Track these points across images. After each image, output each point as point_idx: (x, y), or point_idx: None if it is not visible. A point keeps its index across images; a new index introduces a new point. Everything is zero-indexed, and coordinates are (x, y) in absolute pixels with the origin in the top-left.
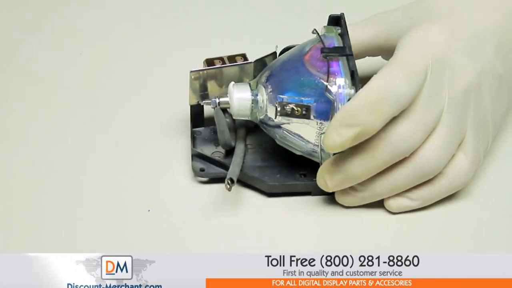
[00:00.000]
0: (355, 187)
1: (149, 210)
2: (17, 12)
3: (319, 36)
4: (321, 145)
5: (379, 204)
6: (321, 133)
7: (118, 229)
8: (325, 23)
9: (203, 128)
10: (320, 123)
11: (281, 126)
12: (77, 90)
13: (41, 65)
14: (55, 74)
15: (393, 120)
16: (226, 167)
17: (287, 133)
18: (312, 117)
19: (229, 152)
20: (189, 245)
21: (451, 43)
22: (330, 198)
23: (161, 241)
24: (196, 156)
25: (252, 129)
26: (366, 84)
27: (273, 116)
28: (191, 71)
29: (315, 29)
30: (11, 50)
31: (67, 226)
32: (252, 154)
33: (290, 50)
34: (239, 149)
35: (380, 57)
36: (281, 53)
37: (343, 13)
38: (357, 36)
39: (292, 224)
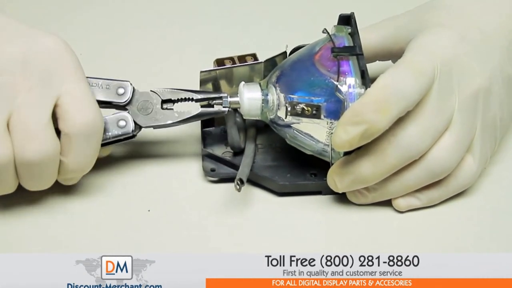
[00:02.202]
0: (367, 187)
1: (149, 210)
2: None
3: (329, 35)
4: (331, 144)
5: (391, 205)
6: (332, 133)
7: (127, 229)
8: (335, 23)
9: (213, 128)
10: (331, 122)
11: (291, 125)
12: None
13: None
14: None
15: (402, 123)
16: (236, 167)
17: (297, 133)
18: (322, 116)
19: (239, 151)
20: (196, 245)
21: (460, 46)
22: (341, 197)
23: (168, 240)
24: (207, 156)
25: (263, 128)
26: (373, 83)
27: (283, 116)
28: (201, 71)
29: (325, 29)
30: None
31: (69, 225)
32: (262, 154)
33: (300, 50)
34: (249, 149)
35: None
36: (291, 52)
37: (353, 13)
38: (366, 40)
39: (303, 223)
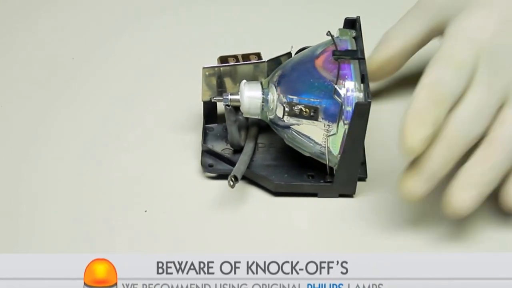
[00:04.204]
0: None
1: (146, 211)
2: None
3: (333, 38)
4: (328, 147)
5: (387, 208)
6: (329, 135)
7: (123, 227)
8: (342, 25)
9: (215, 124)
10: (328, 125)
11: (291, 126)
12: (87, 83)
13: (48, 61)
14: (65, 72)
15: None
16: (234, 164)
17: (296, 134)
18: (320, 119)
19: (239, 149)
20: (191, 242)
21: (502, 26)
22: (337, 200)
23: (164, 237)
24: (206, 151)
25: (265, 128)
26: (419, 85)
27: (281, 116)
28: (204, 67)
29: (329, 31)
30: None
31: (72, 225)
32: (262, 153)
33: (303, 51)
34: (248, 148)
35: None
36: (296, 53)
37: (359, 17)
38: (410, 30)
39: (295, 225)
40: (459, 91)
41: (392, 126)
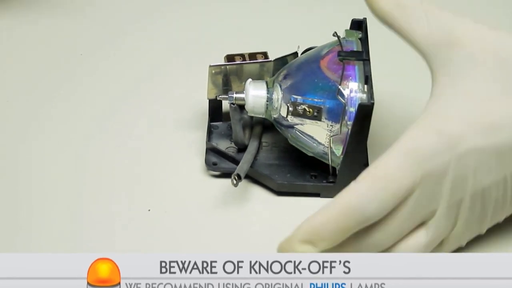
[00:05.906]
0: None
1: (149, 210)
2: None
3: (339, 39)
4: (330, 147)
5: None
6: (331, 136)
7: (126, 226)
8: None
9: (221, 122)
10: (331, 125)
11: (294, 126)
12: (94, 79)
13: (57, 57)
14: (68, 69)
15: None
16: (238, 163)
17: (299, 134)
18: (323, 119)
19: (243, 148)
20: (194, 241)
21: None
22: None
23: (167, 236)
24: (210, 149)
25: (270, 127)
26: (337, 198)
27: (285, 116)
28: (210, 65)
29: (335, 32)
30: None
31: (75, 224)
32: (266, 152)
33: (309, 51)
34: (252, 146)
35: (391, 62)
36: (302, 53)
37: (365, 18)
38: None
39: (297, 224)
40: (378, 217)
41: (395, 128)
